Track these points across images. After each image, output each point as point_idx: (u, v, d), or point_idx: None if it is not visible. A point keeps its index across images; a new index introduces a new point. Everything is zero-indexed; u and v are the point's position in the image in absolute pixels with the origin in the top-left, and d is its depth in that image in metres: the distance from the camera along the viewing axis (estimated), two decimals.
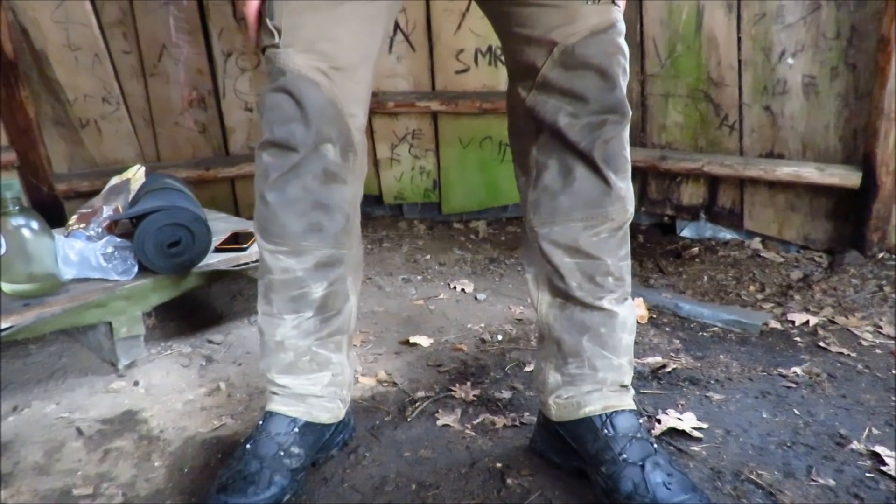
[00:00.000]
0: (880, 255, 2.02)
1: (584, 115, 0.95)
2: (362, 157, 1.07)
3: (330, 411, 1.13)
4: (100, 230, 1.55)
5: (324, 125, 0.98)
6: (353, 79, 0.99)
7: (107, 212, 1.60)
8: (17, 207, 1.34)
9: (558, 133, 0.97)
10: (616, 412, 1.04)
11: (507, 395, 1.39)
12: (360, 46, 0.99)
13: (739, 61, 2.20)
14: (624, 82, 0.96)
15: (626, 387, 1.08)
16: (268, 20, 0.97)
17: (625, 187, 1.00)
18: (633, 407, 1.07)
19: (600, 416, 1.04)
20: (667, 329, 1.73)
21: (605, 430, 1.03)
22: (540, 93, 0.97)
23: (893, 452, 1.15)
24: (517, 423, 1.28)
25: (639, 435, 1.02)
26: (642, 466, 0.98)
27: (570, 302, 1.05)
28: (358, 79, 1.00)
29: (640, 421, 1.06)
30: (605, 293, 1.03)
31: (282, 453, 1.05)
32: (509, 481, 1.10)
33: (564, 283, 1.03)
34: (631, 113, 0.99)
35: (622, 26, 0.96)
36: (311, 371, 1.10)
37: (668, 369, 1.48)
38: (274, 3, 0.96)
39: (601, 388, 1.06)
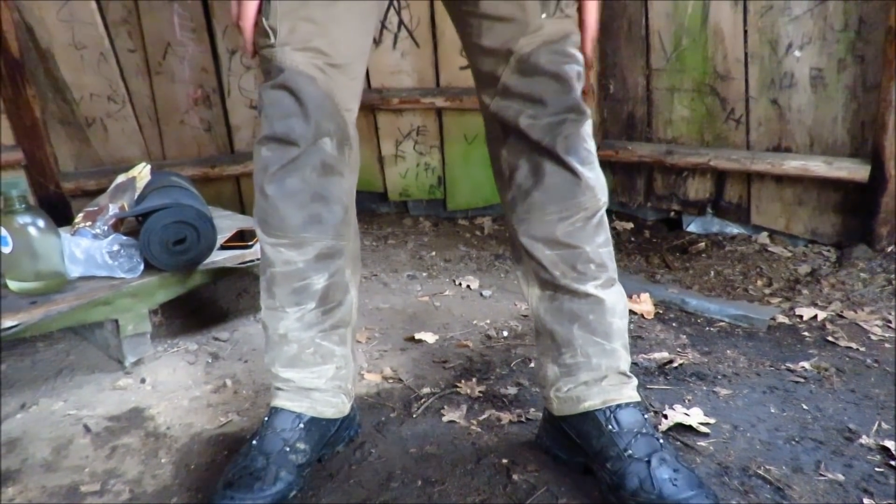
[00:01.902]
0: (889, 249, 2.00)
1: (543, 117, 1.00)
2: (356, 151, 1.10)
3: (334, 406, 1.13)
4: (106, 228, 1.56)
5: (322, 119, 1.00)
6: (348, 75, 1.02)
7: (112, 210, 1.60)
8: (23, 206, 1.35)
9: (522, 134, 1.02)
10: (619, 407, 1.04)
11: (512, 391, 1.38)
12: (355, 44, 1.02)
13: (746, 54, 2.18)
14: (579, 86, 1.01)
15: (625, 375, 1.07)
16: (263, 20, 0.98)
17: (593, 177, 1.04)
18: (635, 399, 1.07)
19: (603, 411, 1.04)
20: (673, 324, 1.73)
21: (609, 426, 1.03)
22: (502, 99, 1.02)
23: None
24: (523, 418, 1.28)
25: (644, 430, 1.02)
26: (648, 462, 0.97)
27: (558, 292, 1.07)
28: (353, 75, 1.03)
29: (646, 416, 1.06)
30: (588, 280, 1.05)
31: (287, 449, 1.05)
32: (515, 477, 1.10)
33: (549, 274, 1.06)
34: (589, 112, 1.03)
35: (576, 37, 1.01)
36: (314, 364, 1.10)
37: (675, 364, 1.47)
38: (270, 3, 0.97)
39: (599, 378, 1.06)
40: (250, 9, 0.99)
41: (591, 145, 1.04)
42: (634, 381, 1.09)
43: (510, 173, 1.06)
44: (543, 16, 0.96)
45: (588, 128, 1.03)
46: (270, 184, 1.02)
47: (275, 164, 1.01)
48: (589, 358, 1.06)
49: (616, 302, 1.07)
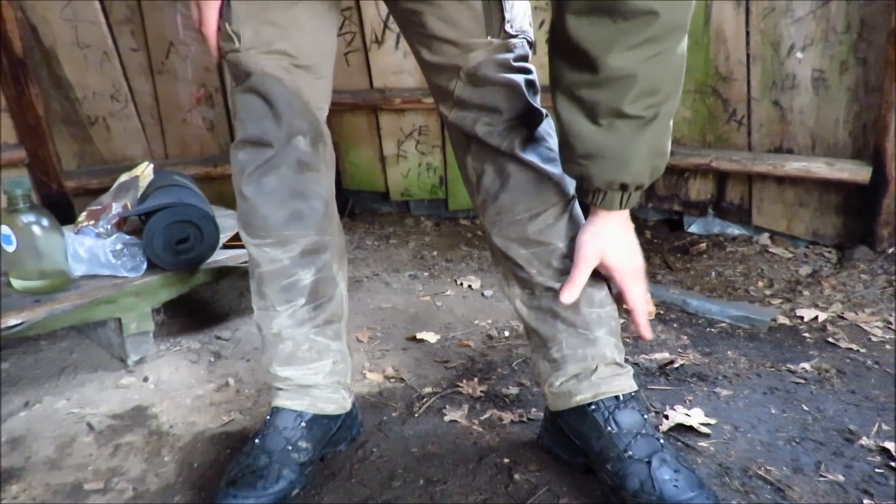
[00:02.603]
0: (890, 251, 2.01)
1: (499, 123, 1.02)
2: (330, 147, 1.11)
3: (335, 402, 1.14)
4: (109, 227, 1.56)
5: (294, 119, 1.02)
6: (315, 74, 1.04)
7: (116, 209, 1.61)
8: (27, 205, 1.35)
9: (481, 141, 1.04)
10: (617, 407, 1.04)
11: (514, 390, 1.39)
12: (319, 44, 1.04)
13: (748, 56, 2.18)
14: (531, 93, 1.02)
15: (616, 364, 1.06)
16: (227, 25, 0.99)
17: (557, 172, 1.04)
18: (627, 390, 1.05)
19: (602, 412, 1.04)
20: (674, 325, 1.73)
21: (609, 427, 1.03)
22: (460, 110, 1.04)
23: None
24: (524, 418, 1.28)
25: (644, 431, 1.02)
26: (649, 463, 0.97)
27: (536, 290, 1.07)
28: (320, 74, 1.05)
29: (646, 416, 1.06)
30: (565, 275, 1.04)
31: (290, 448, 1.06)
32: (517, 477, 1.10)
33: (526, 273, 1.06)
34: (545, 113, 1.04)
35: (522, 52, 1.01)
36: (311, 360, 1.11)
37: (676, 365, 1.48)
38: (232, 6, 0.98)
39: (588, 370, 1.05)
40: (212, 14, 1.00)
41: (552, 143, 1.05)
42: (629, 371, 1.08)
43: (477, 179, 1.07)
44: (489, 37, 0.97)
45: (547, 127, 1.05)
46: (248, 185, 1.03)
47: (251, 165, 1.03)
48: (574, 350, 1.07)
49: (593, 294, 1.06)
